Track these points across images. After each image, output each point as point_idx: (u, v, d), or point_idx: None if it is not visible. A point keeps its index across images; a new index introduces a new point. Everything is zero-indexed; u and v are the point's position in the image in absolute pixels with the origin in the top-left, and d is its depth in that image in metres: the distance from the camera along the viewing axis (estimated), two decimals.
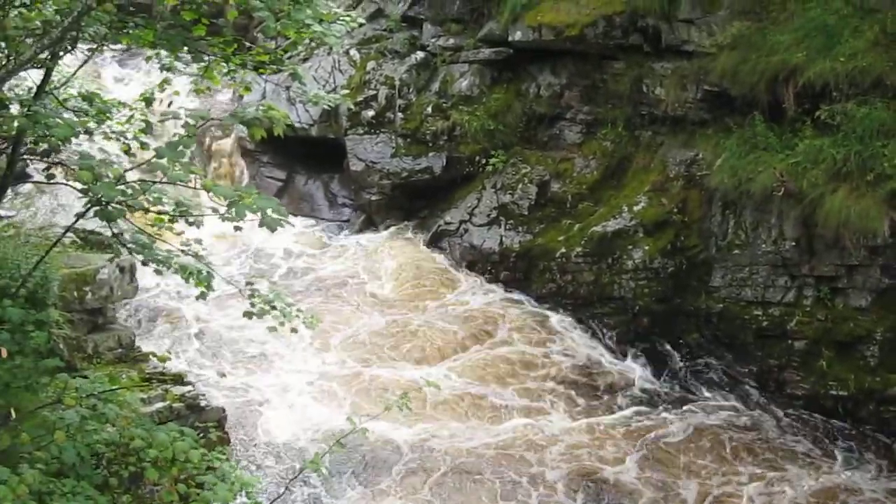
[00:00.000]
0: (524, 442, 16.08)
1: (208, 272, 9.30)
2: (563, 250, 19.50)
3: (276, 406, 16.33)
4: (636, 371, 18.21)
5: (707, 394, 17.81)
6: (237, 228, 7.88)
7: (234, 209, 7.51)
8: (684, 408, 17.39)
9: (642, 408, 17.31)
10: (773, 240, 17.81)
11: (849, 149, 16.41)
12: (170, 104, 9.58)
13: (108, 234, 9.07)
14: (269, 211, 7.61)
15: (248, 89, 9.81)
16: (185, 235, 9.18)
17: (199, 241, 9.54)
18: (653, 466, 15.78)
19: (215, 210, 7.80)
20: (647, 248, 18.93)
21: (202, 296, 9.37)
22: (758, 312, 17.95)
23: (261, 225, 7.59)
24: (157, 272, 9.45)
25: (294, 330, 9.48)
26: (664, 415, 17.12)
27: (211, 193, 7.60)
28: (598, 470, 15.59)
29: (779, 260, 17.76)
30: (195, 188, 7.75)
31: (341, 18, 9.12)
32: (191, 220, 8.45)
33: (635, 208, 19.38)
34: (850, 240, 16.70)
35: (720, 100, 18.83)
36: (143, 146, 9.62)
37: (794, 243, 17.56)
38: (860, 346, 17.13)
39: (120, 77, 24.38)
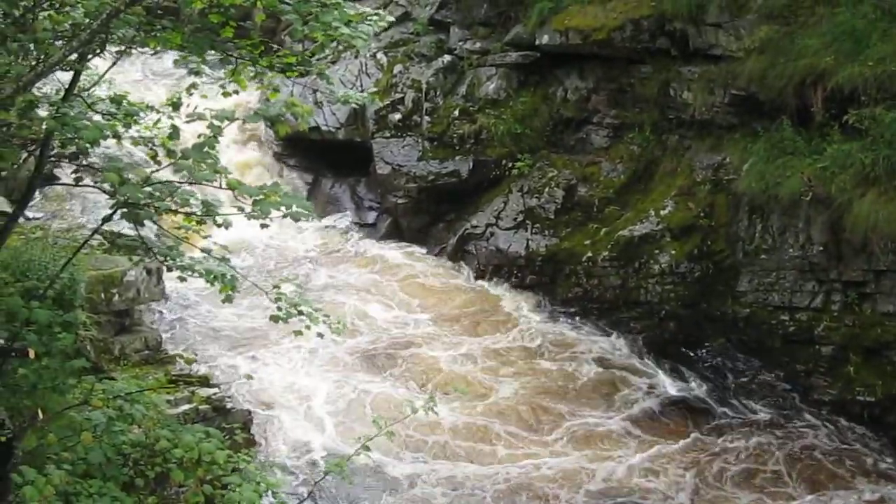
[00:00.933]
0: (557, 476, 15.37)
1: (232, 276, 9.32)
2: (590, 254, 19.47)
3: (290, 411, 16.29)
4: (672, 387, 17.82)
5: (744, 404, 17.45)
6: (264, 226, 7.91)
7: (259, 207, 7.53)
8: (729, 423, 16.95)
9: (689, 427, 16.79)
10: (800, 244, 17.71)
11: (877, 153, 16.31)
12: (195, 108, 9.62)
13: (135, 236, 9.10)
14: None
15: (276, 92, 9.82)
16: (211, 240, 9.20)
17: (224, 247, 9.57)
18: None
19: (241, 209, 7.82)
20: (673, 252, 18.89)
21: (228, 299, 9.38)
22: (785, 317, 17.85)
23: (285, 216, 7.62)
24: (181, 279, 9.49)
25: (320, 335, 9.48)
26: (709, 435, 16.59)
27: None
28: None
29: (806, 265, 17.65)
30: (221, 188, 7.76)
31: (369, 18, 9.11)
32: (219, 221, 8.46)
33: (662, 212, 19.33)
34: (878, 245, 16.59)
35: (748, 104, 18.76)
36: (171, 154, 9.65)
37: (821, 248, 17.45)
38: (888, 351, 16.95)
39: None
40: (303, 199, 7.85)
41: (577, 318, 19.39)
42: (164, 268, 9.38)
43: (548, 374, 17.86)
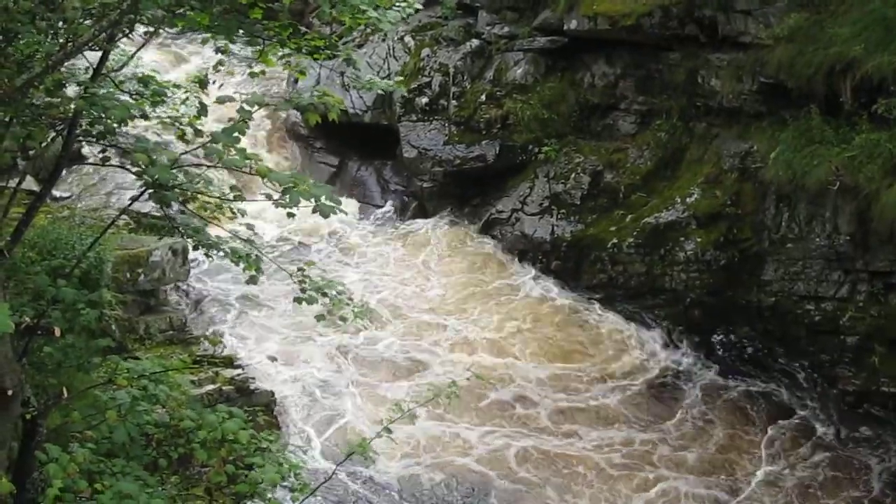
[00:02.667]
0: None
1: (257, 256, 9.35)
2: (615, 241, 19.42)
3: (314, 394, 16.29)
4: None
5: (771, 396, 17.51)
6: (290, 215, 7.92)
7: (288, 196, 7.54)
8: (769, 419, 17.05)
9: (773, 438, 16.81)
10: (827, 234, 17.61)
11: None
12: (220, 87, 9.70)
13: (162, 216, 9.15)
14: (322, 198, 7.64)
15: (302, 74, 9.83)
16: (237, 221, 9.24)
17: (250, 227, 9.59)
18: None
19: (269, 196, 7.83)
20: (699, 240, 18.81)
21: (253, 280, 9.41)
22: (810, 307, 17.76)
23: (314, 211, 7.62)
24: (207, 256, 9.54)
25: (343, 319, 9.46)
26: (753, 437, 16.66)
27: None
28: None
29: (833, 254, 17.56)
30: (250, 174, 7.77)
31: (397, 4, 9.12)
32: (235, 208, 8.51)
33: (688, 200, 19.26)
34: None
35: (776, 92, 18.61)
36: (198, 133, 9.68)
37: (848, 238, 17.35)
38: None
39: None
40: (329, 188, 7.84)
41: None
42: (189, 248, 9.44)
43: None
